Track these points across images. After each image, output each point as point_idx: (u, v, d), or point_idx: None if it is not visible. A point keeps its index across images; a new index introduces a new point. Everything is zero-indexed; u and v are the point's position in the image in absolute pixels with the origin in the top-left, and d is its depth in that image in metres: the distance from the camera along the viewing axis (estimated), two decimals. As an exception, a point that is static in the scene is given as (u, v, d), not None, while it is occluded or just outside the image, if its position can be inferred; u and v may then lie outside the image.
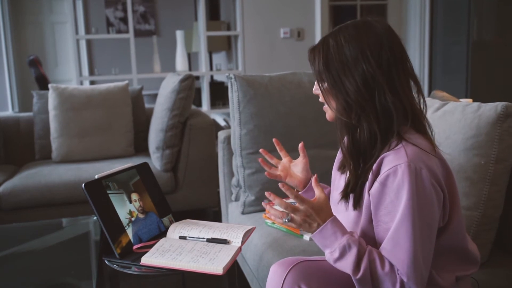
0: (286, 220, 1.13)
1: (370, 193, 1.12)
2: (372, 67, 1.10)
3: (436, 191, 1.08)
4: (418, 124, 1.16)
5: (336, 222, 1.13)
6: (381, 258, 1.10)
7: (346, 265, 1.09)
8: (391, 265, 1.09)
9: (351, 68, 1.11)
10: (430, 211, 1.08)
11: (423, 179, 1.06)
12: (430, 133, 1.18)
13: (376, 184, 1.10)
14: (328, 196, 1.28)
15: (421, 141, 1.12)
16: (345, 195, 1.19)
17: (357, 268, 1.08)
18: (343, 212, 1.22)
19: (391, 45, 1.12)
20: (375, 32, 1.12)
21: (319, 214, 1.14)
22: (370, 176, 1.12)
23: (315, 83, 1.23)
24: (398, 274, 1.08)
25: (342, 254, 1.09)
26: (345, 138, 1.18)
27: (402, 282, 1.08)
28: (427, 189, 1.06)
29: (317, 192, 1.17)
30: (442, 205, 1.12)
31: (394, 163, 1.07)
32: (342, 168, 1.28)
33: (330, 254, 1.12)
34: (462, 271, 1.20)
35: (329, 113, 1.22)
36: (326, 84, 1.16)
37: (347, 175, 1.21)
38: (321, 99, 1.22)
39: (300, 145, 1.48)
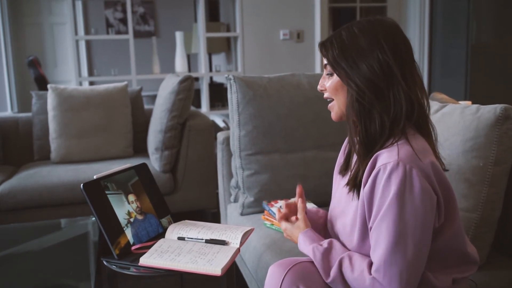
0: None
1: (364, 191, 1.11)
2: (388, 57, 1.10)
3: (428, 191, 1.07)
4: (423, 124, 1.16)
5: (308, 233, 1.27)
6: (352, 262, 1.13)
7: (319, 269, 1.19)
8: (362, 269, 1.10)
9: (367, 54, 1.10)
10: (419, 210, 1.06)
11: (412, 177, 1.05)
12: (434, 138, 1.17)
13: (368, 182, 1.10)
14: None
15: (421, 143, 1.12)
16: (353, 185, 1.18)
17: (327, 274, 1.17)
18: (352, 205, 1.21)
19: (404, 41, 1.14)
20: (388, 26, 1.13)
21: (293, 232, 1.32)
22: (365, 174, 1.12)
23: (321, 79, 1.22)
24: (370, 274, 1.09)
25: (315, 258, 1.20)
26: (354, 131, 1.16)
27: (373, 281, 1.08)
28: (416, 188, 1.05)
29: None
30: (437, 206, 1.10)
31: (384, 162, 1.07)
32: (343, 171, 1.29)
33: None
34: (459, 273, 1.20)
35: (335, 111, 1.21)
36: (340, 72, 1.14)
37: (353, 169, 1.20)
38: (327, 94, 1.21)
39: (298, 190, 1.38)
